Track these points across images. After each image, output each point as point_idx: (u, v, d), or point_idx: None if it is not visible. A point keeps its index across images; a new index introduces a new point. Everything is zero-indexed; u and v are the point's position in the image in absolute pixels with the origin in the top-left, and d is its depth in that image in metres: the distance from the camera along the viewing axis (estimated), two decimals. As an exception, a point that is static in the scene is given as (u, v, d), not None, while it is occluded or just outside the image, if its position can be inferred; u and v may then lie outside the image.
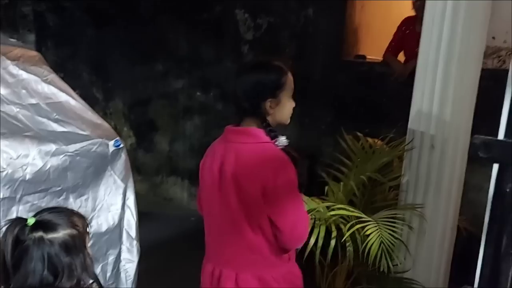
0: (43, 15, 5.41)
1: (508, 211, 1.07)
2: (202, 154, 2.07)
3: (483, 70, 2.64)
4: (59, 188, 2.28)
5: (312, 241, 2.52)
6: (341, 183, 2.86)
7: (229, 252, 1.98)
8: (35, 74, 2.50)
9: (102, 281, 2.44)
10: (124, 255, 2.58)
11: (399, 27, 4.10)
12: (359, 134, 3.05)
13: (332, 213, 2.59)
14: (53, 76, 2.59)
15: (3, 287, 1.61)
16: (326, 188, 2.87)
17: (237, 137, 1.92)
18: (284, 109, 1.92)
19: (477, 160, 1.08)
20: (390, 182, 2.84)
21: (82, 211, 2.30)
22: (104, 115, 5.07)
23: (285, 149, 1.92)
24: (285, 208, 1.86)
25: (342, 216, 2.64)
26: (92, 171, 2.41)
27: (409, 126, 2.74)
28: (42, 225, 1.56)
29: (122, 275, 2.58)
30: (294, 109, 1.96)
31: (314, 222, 2.57)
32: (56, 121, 2.39)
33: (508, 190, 1.07)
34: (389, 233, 2.50)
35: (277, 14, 4.33)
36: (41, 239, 1.53)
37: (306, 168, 1.98)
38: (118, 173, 2.53)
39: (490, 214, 1.11)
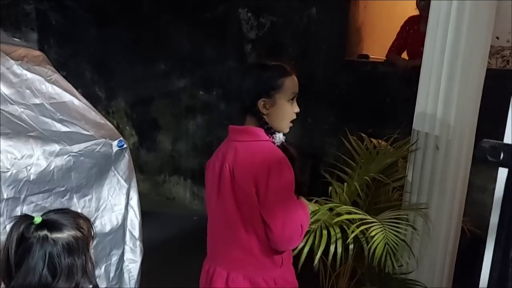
0: (45, 14, 5.40)
1: (517, 216, 1.07)
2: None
3: (486, 70, 2.63)
4: (63, 188, 2.28)
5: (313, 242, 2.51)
6: (345, 183, 2.85)
7: (222, 250, 2.00)
8: (39, 74, 2.50)
9: (105, 282, 2.45)
10: (128, 255, 2.58)
11: (402, 27, 4.10)
12: (363, 134, 3.05)
13: (338, 218, 2.57)
14: (56, 76, 2.59)
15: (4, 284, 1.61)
16: (330, 188, 2.86)
17: (238, 135, 1.94)
18: (281, 111, 1.90)
19: (486, 164, 1.07)
20: (394, 183, 2.83)
21: (86, 211, 2.32)
22: (106, 114, 5.07)
23: (284, 145, 1.93)
24: (277, 207, 1.85)
25: (348, 219, 2.63)
26: (95, 171, 2.41)
27: (413, 127, 2.73)
28: (48, 224, 1.57)
29: (126, 275, 2.58)
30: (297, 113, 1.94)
31: (316, 224, 2.56)
32: (60, 121, 2.39)
33: (517, 195, 1.07)
34: (395, 234, 2.50)
35: (280, 13, 4.32)
36: (45, 237, 1.54)
37: (308, 168, 1.98)
38: (122, 173, 2.53)
39: (499, 219, 1.10)
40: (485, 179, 3.24)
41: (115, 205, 2.50)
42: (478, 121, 2.64)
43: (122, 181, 2.53)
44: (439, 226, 2.68)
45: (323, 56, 4.17)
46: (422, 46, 2.70)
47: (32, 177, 2.14)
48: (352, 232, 2.48)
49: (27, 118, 2.30)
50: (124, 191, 2.54)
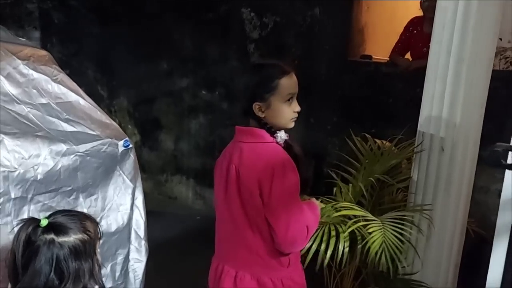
0: (48, 13, 5.39)
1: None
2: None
3: (491, 71, 2.64)
4: (70, 188, 2.28)
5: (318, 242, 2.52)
6: (350, 184, 2.86)
7: (229, 249, 2.01)
8: (45, 74, 2.50)
9: (111, 281, 2.46)
10: (133, 254, 2.58)
11: (406, 27, 4.10)
12: (367, 135, 3.05)
13: (338, 213, 2.58)
14: (62, 76, 2.59)
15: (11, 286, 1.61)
16: (335, 189, 2.87)
17: (244, 136, 1.94)
18: (277, 113, 1.86)
19: (499, 168, 1.07)
20: (398, 183, 2.84)
21: (92, 210, 2.32)
22: (109, 113, 5.05)
23: (288, 143, 1.92)
24: (281, 209, 1.85)
25: (349, 217, 2.64)
26: (101, 171, 2.41)
27: (418, 128, 2.74)
28: (54, 227, 1.57)
29: (131, 274, 2.59)
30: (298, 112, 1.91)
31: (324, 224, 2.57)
32: (66, 121, 2.39)
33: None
34: (395, 234, 2.50)
35: (283, 13, 4.32)
36: (52, 241, 1.54)
37: (312, 168, 1.97)
38: (127, 173, 2.54)
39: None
40: (488, 179, 3.25)
41: (121, 205, 2.51)
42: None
43: (128, 181, 2.53)
44: (444, 227, 2.69)
45: (326, 56, 4.17)
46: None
47: (39, 176, 2.14)
48: (349, 228, 2.48)
49: (34, 117, 2.30)
50: (130, 191, 2.54)
